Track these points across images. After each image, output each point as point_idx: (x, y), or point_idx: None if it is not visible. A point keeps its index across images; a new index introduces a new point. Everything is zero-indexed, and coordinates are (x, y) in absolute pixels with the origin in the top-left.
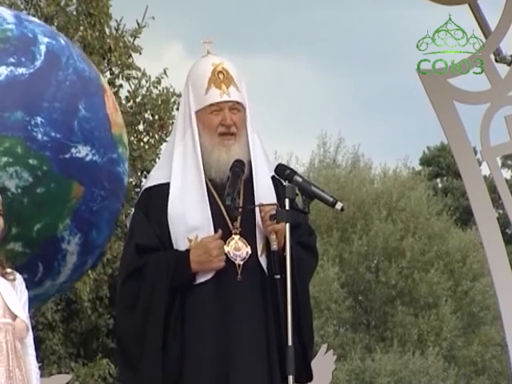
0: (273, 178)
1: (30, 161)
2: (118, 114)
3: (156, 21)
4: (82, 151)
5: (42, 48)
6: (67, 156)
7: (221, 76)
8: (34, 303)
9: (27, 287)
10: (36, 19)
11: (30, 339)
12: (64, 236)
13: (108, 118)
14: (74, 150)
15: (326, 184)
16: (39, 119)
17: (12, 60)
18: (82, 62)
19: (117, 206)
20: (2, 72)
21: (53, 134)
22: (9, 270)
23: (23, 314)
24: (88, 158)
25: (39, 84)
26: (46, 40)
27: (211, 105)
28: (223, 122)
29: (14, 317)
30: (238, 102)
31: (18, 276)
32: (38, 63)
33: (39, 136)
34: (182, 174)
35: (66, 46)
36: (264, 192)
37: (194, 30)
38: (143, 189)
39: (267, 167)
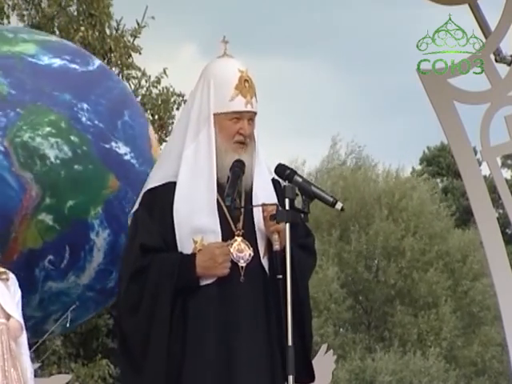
0: (273, 180)
1: (72, 137)
2: (157, 150)
3: (169, 21)
4: (122, 149)
5: (96, 62)
6: (107, 146)
7: (246, 84)
8: (56, 304)
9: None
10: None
11: (23, 338)
12: (94, 224)
13: (149, 140)
14: (114, 144)
15: (334, 183)
16: (85, 105)
17: (67, 57)
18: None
19: None
20: (57, 62)
21: (96, 121)
22: (2, 270)
23: (17, 313)
24: (126, 158)
25: (89, 81)
26: (99, 62)
27: (234, 112)
28: (242, 131)
29: (8, 317)
30: (255, 113)
31: (12, 276)
32: (91, 68)
33: (83, 119)
34: (191, 174)
35: (117, 75)
36: (264, 194)
37: (206, 30)
38: (146, 189)
39: (268, 172)
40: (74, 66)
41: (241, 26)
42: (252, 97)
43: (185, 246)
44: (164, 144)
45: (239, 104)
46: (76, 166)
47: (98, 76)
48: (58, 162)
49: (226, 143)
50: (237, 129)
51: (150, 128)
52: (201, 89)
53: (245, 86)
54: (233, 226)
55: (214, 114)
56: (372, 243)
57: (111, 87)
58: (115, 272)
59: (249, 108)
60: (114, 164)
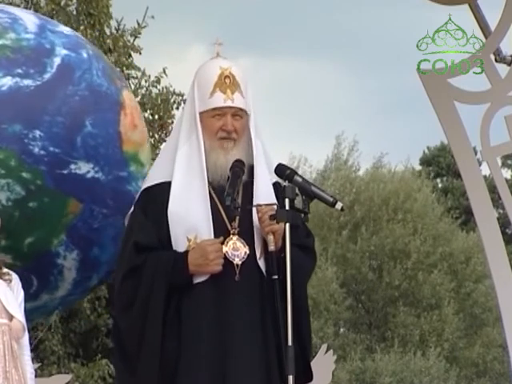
0: (275, 184)
1: (24, 174)
2: (137, 132)
3: (178, 22)
4: (83, 168)
5: (56, 60)
6: (65, 172)
7: (227, 81)
8: (35, 315)
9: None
10: (67, 29)
11: (25, 339)
12: (59, 251)
13: (120, 135)
14: (73, 166)
15: (341, 185)
16: (38, 133)
17: (19, 71)
18: (102, 76)
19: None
20: (6, 83)
21: (51, 148)
22: (5, 271)
23: (20, 314)
24: (89, 175)
25: (44, 97)
26: (63, 52)
27: (214, 109)
28: (224, 127)
29: (11, 317)
30: (241, 109)
31: (15, 276)
32: (47, 76)
33: (36, 150)
34: (184, 174)
35: (86, 59)
36: (263, 195)
37: (217, 31)
38: (142, 188)
39: (269, 173)
40: (26, 82)
41: (249, 26)
42: (234, 92)
43: (179, 244)
44: (164, 144)
45: (218, 100)
46: (30, 204)
47: (55, 84)
48: (10, 204)
49: (210, 141)
50: (219, 125)
51: (123, 113)
52: (190, 91)
53: (225, 82)
54: (228, 225)
55: (200, 114)
56: (376, 245)
57: (70, 94)
58: (96, 274)
59: (228, 103)
60: (73, 188)
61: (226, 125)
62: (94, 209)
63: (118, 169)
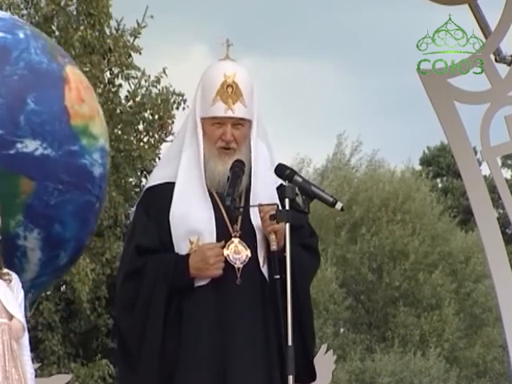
0: (278, 188)
1: None
2: (84, 105)
3: (180, 22)
4: (30, 146)
5: None
6: (12, 152)
7: (229, 90)
8: None
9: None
10: (2, 12)
11: (25, 340)
12: (18, 232)
13: (66, 109)
14: (19, 145)
15: (339, 185)
16: None
17: None
18: (42, 54)
19: (85, 198)
20: None
21: None
22: (5, 271)
23: (20, 314)
24: (38, 153)
25: None
26: None
27: (214, 117)
28: (223, 137)
29: (11, 317)
30: (241, 118)
31: (15, 276)
32: None
33: None
34: (187, 176)
35: (23, 39)
36: (263, 197)
37: (218, 31)
38: (146, 187)
39: (272, 175)
40: None
41: (249, 26)
42: (235, 102)
43: (181, 246)
44: (164, 144)
45: (219, 110)
46: None
47: None
48: None
49: (208, 149)
50: (219, 134)
51: (67, 88)
52: (195, 92)
53: (227, 91)
54: (230, 228)
55: (201, 119)
56: (378, 246)
57: (8, 75)
58: (63, 252)
59: (229, 114)
60: (23, 167)
61: (225, 135)
62: (48, 185)
63: (68, 143)
